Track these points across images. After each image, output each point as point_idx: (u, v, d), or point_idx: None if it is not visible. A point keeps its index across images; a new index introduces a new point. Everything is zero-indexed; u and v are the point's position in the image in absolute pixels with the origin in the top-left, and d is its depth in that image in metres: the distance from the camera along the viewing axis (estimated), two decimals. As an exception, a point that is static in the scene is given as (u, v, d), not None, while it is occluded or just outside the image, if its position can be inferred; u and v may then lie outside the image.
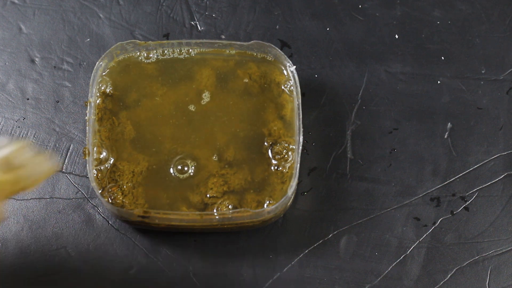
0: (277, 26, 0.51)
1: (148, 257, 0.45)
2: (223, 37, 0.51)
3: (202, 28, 0.51)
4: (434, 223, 0.47)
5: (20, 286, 0.45)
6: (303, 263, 0.46)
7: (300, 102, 0.43)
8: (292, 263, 0.46)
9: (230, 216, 0.41)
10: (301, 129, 0.42)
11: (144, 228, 0.45)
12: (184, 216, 0.41)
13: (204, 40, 0.47)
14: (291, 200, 0.43)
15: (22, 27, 0.51)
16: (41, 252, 0.45)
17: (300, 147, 0.42)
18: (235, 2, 0.52)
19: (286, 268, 0.46)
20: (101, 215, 0.46)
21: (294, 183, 0.41)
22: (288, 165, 0.43)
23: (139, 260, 0.45)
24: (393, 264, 0.46)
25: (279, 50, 0.44)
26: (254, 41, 0.45)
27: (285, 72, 0.45)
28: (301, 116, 0.43)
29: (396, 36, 0.51)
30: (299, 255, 0.46)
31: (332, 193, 0.47)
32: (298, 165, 0.42)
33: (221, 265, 0.45)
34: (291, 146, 0.43)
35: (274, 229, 0.46)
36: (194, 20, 0.51)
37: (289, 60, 0.44)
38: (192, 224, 0.42)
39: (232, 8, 0.52)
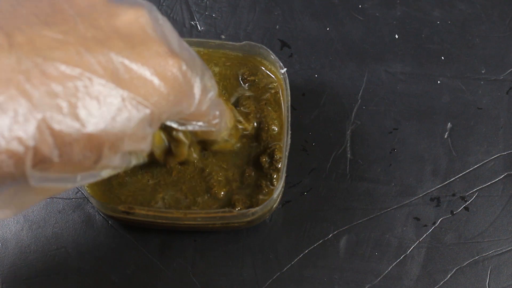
0: (277, 26, 0.51)
1: (148, 257, 0.45)
2: (223, 37, 0.51)
3: (202, 28, 0.51)
4: (434, 223, 0.47)
5: (20, 286, 0.45)
6: (303, 263, 0.46)
7: (289, 104, 0.43)
8: (292, 263, 0.46)
9: (213, 216, 0.41)
10: (289, 132, 0.42)
11: (131, 225, 0.45)
12: (168, 213, 0.41)
13: (195, 39, 0.46)
14: (277, 202, 0.43)
15: (22, 27, 0.51)
16: (41, 252, 0.45)
17: (288, 150, 0.42)
18: (235, 2, 0.52)
19: (286, 268, 0.46)
20: (101, 215, 0.46)
21: (280, 185, 0.41)
22: (279, 166, 0.42)
23: (139, 260, 0.45)
24: (393, 264, 0.46)
25: (271, 52, 0.44)
26: (246, 42, 0.44)
27: (276, 73, 0.45)
28: (289, 119, 0.42)
29: (396, 36, 0.51)
30: (299, 255, 0.46)
31: (332, 193, 0.47)
32: (285, 167, 0.41)
33: (221, 265, 0.46)
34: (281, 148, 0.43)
35: (274, 229, 0.46)
36: (194, 20, 0.51)
37: (280, 62, 0.44)
38: (176, 222, 0.41)
39: (232, 8, 0.52)
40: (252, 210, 0.40)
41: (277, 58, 0.44)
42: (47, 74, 0.27)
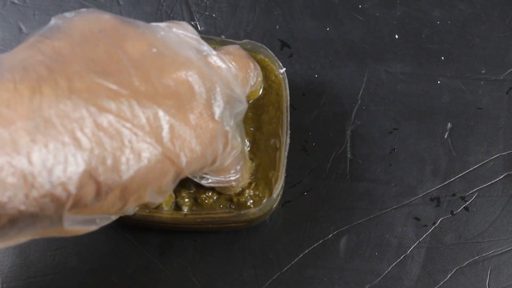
0: (277, 26, 0.51)
1: (148, 257, 0.45)
2: (223, 37, 0.51)
3: (202, 28, 0.51)
4: (434, 223, 0.47)
5: (20, 286, 0.45)
6: (303, 263, 0.46)
7: (288, 104, 0.43)
8: (292, 263, 0.46)
9: (213, 216, 0.40)
10: (289, 132, 0.42)
11: (131, 225, 0.45)
12: (167, 214, 0.41)
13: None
14: (277, 202, 0.43)
15: (22, 27, 0.51)
16: (41, 252, 0.45)
17: (287, 149, 0.42)
18: (235, 2, 0.52)
19: (286, 268, 0.46)
20: (101, 215, 0.46)
21: (279, 185, 0.41)
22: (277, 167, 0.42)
23: (139, 260, 0.45)
24: (393, 264, 0.46)
25: (270, 52, 0.44)
26: (247, 40, 0.44)
27: (275, 73, 0.44)
28: (289, 119, 0.42)
29: (396, 36, 0.51)
30: (299, 255, 0.46)
31: (332, 193, 0.47)
32: (284, 168, 0.41)
33: (221, 265, 0.46)
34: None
35: (274, 229, 0.46)
36: (194, 20, 0.51)
37: (279, 61, 0.44)
38: (175, 222, 0.41)
39: (232, 8, 0.52)
40: (252, 210, 0.40)
41: (276, 58, 0.44)
42: (99, 125, 0.28)
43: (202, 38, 0.44)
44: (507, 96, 0.50)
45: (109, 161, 0.28)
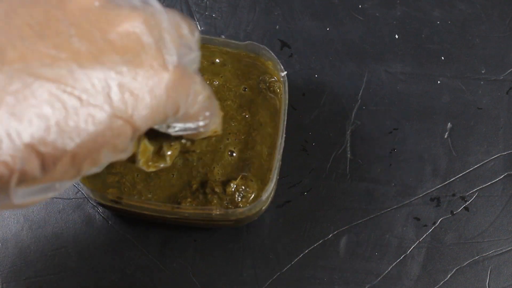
0: (277, 26, 0.51)
1: (148, 257, 0.45)
2: (223, 37, 0.51)
3: (202, 28, 0.51)
4: (434, 223, 0.47)
5: (20, 286, 0.45)
6: (303, 263, 0.46)
7: (286, 108, 0.43)
8: (292, 263, 0.46)
9: (200, 212, 0.40)
10: (284, 135, 0.42)
11: (120, 215, 0.45)
12: (156, 206, 0.40)
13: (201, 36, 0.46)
14: (267, 204, 0.43)
15: (22, 27, 0.51)
16: (41, 252, 0.45)
17: (281, 153, 0.41)
18: (235, 2, 0.52)
19: (286, 268, 0.46)
20: (101, 215, 0.46)
21: (270, 187, 0.41)
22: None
23: (139, 260, 0.45)
24: (393, 264, 0.46)
25: (272, 54, 0.43)
26: (249, 41, 0.44)
27: (276, 76, 0.44)
28: (285, 122, 0.42)
29: (396, 36, 0.51)
30: (299, 255, 0.46)
31: (332, 193, 0.47)
32: (276, 170, 0.41)
33: (221, 265, 0.46)
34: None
35: (274, 229, 0.46)
36: (194, 20, 0.51)
37: (281, 64, 0.43)
38: (164, 215, 0.41)
39: (232, 8, 0.52)
40: (240, 210, 0.40)
41: (278, 61, 0.43)
42: (37, 95, 0.26)
43: (203, 38, 0.44)
44: (507, 96, 0.50)
45: (52, 132, 0.26)
